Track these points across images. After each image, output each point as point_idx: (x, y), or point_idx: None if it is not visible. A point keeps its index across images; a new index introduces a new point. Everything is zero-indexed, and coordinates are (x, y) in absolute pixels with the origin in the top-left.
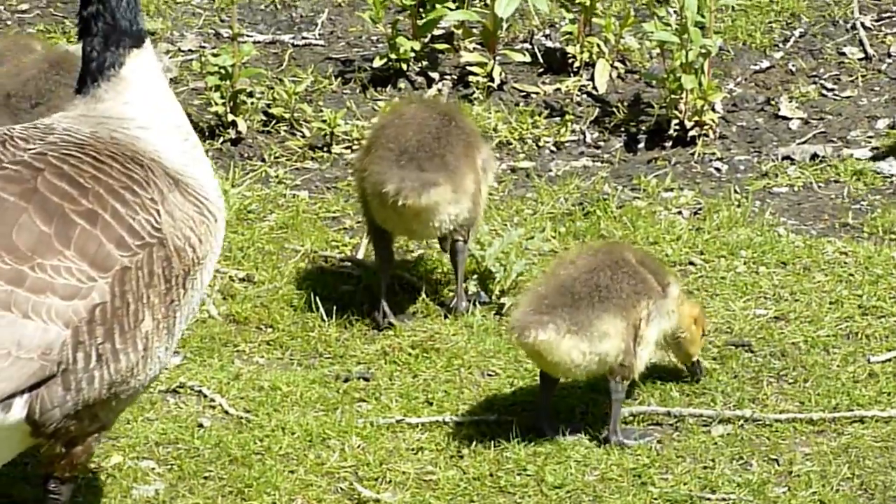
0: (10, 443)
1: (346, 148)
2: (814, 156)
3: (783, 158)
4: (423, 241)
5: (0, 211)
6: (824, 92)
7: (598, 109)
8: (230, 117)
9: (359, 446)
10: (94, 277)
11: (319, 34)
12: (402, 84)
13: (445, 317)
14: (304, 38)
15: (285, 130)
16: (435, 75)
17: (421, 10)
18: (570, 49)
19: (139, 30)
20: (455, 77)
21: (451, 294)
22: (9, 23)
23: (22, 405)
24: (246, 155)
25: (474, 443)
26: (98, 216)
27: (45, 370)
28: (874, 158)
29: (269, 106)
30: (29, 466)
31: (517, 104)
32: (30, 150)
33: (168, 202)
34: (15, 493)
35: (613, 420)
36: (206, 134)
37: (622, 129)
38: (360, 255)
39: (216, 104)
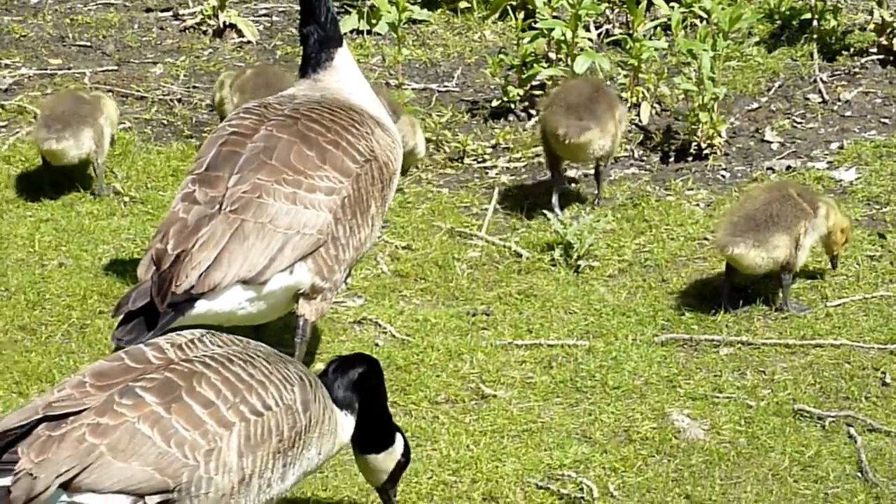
0: (287, 299)
1: (474, 160)
2: (788, 167)
3: (767, 169)
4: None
5: (280, 145)
6: (795, 124)
7: (642, 135)
8: None
9: (482, 359)
10: (342, 181)
11: (456, 84)
12: (511, 118)
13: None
14: (445, 86)
15: (433, 148)
16: (533, 112)
17: (524, 67)
18: (624, 94)
19: (340, 36)
20: None
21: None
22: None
23: (304, 268)
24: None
25: (560, 358)
26: (339, 144)
27: (319, 242)
28: (829, 169)
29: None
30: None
31: None
32: (285, 108)
33: (376, 135)
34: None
35: (785, 298)
36: None
37: (658, 148)
38: (482, 233)
39: None
